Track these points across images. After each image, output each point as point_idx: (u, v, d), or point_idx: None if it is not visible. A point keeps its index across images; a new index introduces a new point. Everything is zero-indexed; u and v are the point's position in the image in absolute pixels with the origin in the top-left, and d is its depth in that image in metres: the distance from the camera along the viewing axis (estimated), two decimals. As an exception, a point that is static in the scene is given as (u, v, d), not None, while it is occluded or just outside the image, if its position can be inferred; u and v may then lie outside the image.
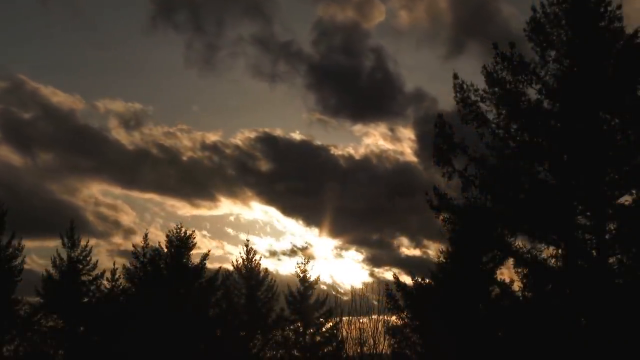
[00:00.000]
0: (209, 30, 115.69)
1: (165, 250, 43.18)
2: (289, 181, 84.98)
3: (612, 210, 25.74)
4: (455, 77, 27.16)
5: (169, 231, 43.81)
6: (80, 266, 43.25)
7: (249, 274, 47.11)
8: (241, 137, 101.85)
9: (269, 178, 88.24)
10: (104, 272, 43.59)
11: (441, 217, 27.24)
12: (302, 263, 49.55)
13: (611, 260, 25.56)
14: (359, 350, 52.57)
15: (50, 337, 42.40)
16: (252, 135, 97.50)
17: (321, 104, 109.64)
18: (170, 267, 42.87)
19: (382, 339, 51.71)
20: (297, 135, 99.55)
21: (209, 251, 44.67)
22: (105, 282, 43.64)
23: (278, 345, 47.80)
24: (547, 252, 26.23)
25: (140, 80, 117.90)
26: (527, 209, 26.10)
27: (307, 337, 48.43)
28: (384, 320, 50.84)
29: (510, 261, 27.74)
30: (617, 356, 24.37)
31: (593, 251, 25.59)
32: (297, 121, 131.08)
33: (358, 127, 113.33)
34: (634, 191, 25.56)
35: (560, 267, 25.94)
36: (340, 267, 68.02)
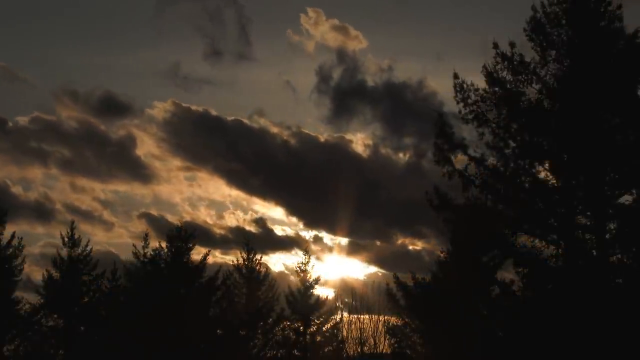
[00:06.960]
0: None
1: (165, 249, 43.17)
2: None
3: (612, 210, 25.71)
4: (456, 77, 27.09)
5: (169, 230, 43.87)
6: (81, 266, 43.32)
7: (250, 273, 47.16)
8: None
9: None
10: (104, 272, 43.66)
11: (442, 217, 27.26)
12: (302, 263, 49.63)
13: (611, 260, 25.55)
14: (359, 350, 52.68)
15: (50, 337, 42.44)
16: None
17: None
18: (171, 266, 42.85)
19: (382, 339, 51.86)
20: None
21: (209, 251, 44.60)
22: (105, 282, 43.72)
23: (278, 345, 47.86)
24: (547, 252, 26.21)
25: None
26: (527, 208, 26.09)
27: (307, 337, 48.48)
28: (384, 320, 50.97)
29: (510, 261, 27.69)
30: (617, 356, 24.36)
31: (593, 251, 25.57)
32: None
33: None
34: (634, 191, 25.54)
35: (561, 267, 25.92)
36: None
